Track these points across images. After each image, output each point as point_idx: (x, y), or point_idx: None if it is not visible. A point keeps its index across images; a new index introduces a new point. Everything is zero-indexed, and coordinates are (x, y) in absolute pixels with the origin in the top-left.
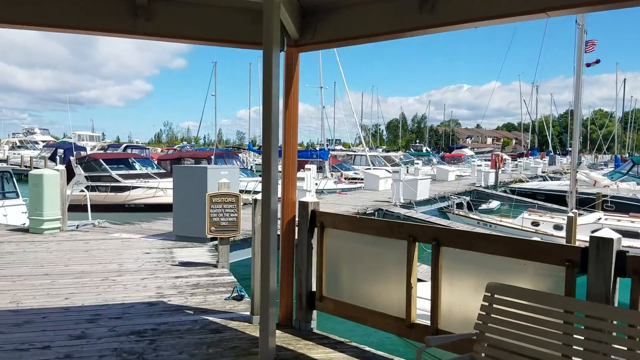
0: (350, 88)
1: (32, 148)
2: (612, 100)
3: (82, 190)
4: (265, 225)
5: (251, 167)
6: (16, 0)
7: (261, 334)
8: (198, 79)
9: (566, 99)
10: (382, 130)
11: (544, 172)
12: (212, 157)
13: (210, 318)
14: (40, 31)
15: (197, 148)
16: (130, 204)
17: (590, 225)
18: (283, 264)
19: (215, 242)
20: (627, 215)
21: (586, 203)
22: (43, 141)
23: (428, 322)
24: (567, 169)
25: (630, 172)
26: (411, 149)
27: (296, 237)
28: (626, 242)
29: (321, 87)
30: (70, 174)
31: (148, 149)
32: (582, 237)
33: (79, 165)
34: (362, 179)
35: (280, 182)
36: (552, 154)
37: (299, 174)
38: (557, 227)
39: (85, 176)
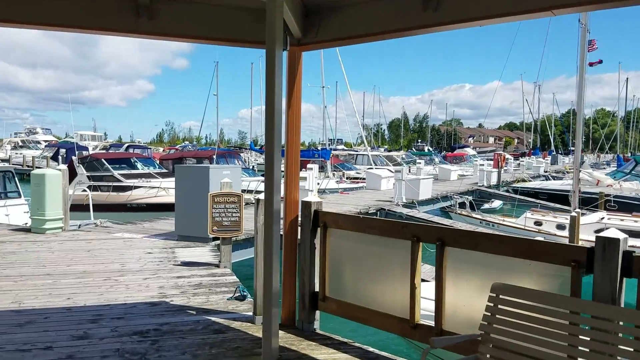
0: (352, 87)
1: (34, 148)
2: (614, 100)
3: (84, 190)
4: (268, 225)
5: (253, 166)
6: None
7: (264, 335)
8: (200, 78)
9: (568, 98)
10: (384, 130)
11: (546, 172)
12: (214, 156)
13: (213, 318)
14: (41, 30)
15: (198, 148)
16: (132, 204)
17: (593, 225)
18: (286, 264)
19: (218, 242)
20: (630, 215)
21: (589, 202)
22: (45, 141)
23: (432, 323)
24: (570, 169)
25: (633, 172)
26: (413, 149)
27: (299, 237)
28: (629, 241)
29: (323, 87)
30: (72, 174)
31: (150, 148)
32: (585, 237)
33: (81, 165)
34: (364, 179)
35: (282, 181)
36: (554, 153)
37: (301, 174)
38: (560, 226)
39: (88, 176)
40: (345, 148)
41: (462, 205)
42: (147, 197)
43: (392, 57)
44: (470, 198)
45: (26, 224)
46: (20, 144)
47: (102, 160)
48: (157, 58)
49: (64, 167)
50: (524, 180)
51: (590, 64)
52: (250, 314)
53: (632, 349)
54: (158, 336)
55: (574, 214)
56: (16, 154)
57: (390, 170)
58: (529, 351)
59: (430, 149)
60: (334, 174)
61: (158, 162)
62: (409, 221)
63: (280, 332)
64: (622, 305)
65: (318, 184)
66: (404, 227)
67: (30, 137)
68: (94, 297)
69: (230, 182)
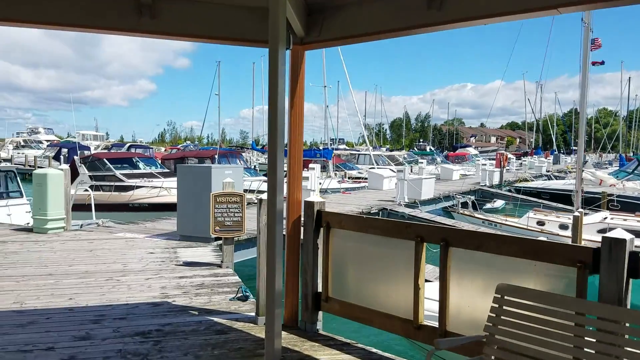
0: (353, 87)
1: (36, 147)
2: (616, 99)
3: (86, 190)
4: (271, 225)
5: (254, 166)
6: None
7: (267, 335)
8: (201, 78)
9: (570, 97)
10: (386, 130)
11: (548, 171)
12: (216, 156)
13: (215, 319)
14: (43, 29)
15: (200, 147)
16: (134, 204)
17: (596, 225)
18: (288, 264)
19: (220, 242)
20: (633, 215)
21: (591, 202)
22: (47, 141)
23: (436, 324)
24: (572, 168)
25: (635, 171)
26: (415, 148)
27: (301, 237)
28: (635, 242)
29: (325, 86)
30: (74, 174)
31: (152, 148)
32: (588, 237)
33: (83, 165)
34: (366, 179)
35: (285, 181)
36: (556, 152)
37: (303, 174)
38: (563, 226)
39: (89, 175)
40: (347, 148)
41: (464, 205)
42: (149, 197)
43: (394, 57)
44: (473, 198)
45: (28, 223)
46: (23, 143)
47: (104, 160)
48: (159, 58)
49: (66, 166)
50: (526, 180)
51: (593, 63)
52: (253, 314)
53: (638, 351)
54: (160, 337)
55: (576, 213)
56: (18, 153)
57: (393, 170)
58: (534, 353)
59: (432, 148)
60: (335, 174)
61: (160, 162)
62: (413, 221)
63: (282, 332)
64: (629, 306)
65: (320, 183)
66: (407, 227)
67: (32, 136)
68: (96, 298)
69: (233, 182)
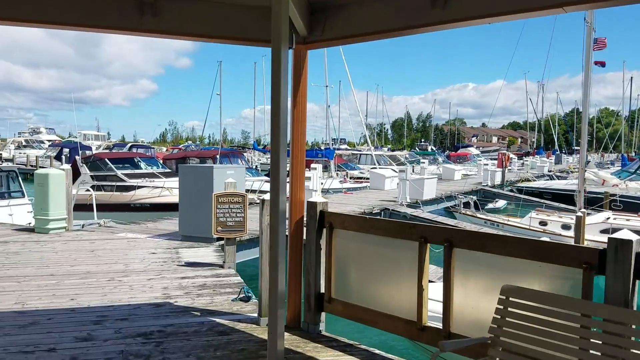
0: (355, 87)
1: (37, 147)
2: (618, 99)
3: (88, 190)
4: (274, 226)
5: (256, 166)
6: None
7: (269, 337)
8: (203, 78)
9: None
10: (387, 130)
11: (550, 171)
12: (218, 156)
13: (217, 320)
14: (44, 30)
15: (202, 147)
16: (135, 204)
17: (599, 225)
18: (291, 265)
19: (221, 242)
20: (636, 215)
21: (594, 202)
22: (49, 140)
23: (439, 325)
24: (574, 168)
25: (638, 171)
26: (416, 148)
27: (304, 237)
28: None
29: (327, 86)
30: (75, 174)
31: (153, 148)
32: (590, 237)
33: (84, 165)
34: (367, 179)
35: (288, 181)
36: (558, 152)
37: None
38: (565, 226)
39: (91, 175)
40: (349, 148)
41: (466, 205)
42: (151, 196)
43: (395, 57)
44: (475, 198)
45: (30, 223)
46: (24, 143)
47: (106, 159)
48: (161, 57)
49: (67, 166)
50: (528, 180)
51: (596, 63)
52: (255, 315)
53: None
54: (162, 338)
55: (579, 214)
56: (20, 153)
57: (394, 170)
58: (540, 355)
59: (434, 148)
60: (337, 174)
61: (161, 161)
62: (416, 222)
63: (285, 333)
64: (635, 308)
65: (322, 183)
66: (411, 227)
67: (33, 136)
68: (98, 298)
69: (235, 182)
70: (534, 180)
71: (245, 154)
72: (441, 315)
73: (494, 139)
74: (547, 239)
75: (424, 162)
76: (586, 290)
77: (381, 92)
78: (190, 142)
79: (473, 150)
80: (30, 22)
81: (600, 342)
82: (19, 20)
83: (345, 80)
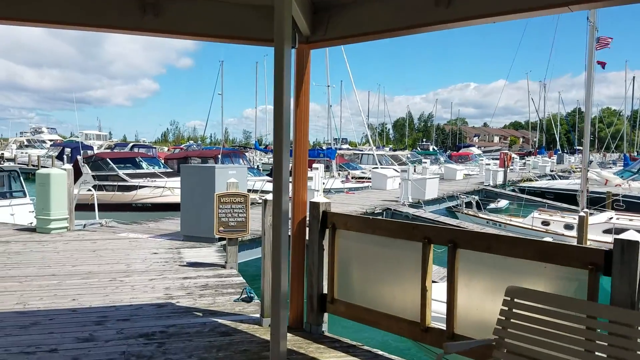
0: (356, 87)
1: (39, 147)
2: (620, 99)
3: (89, 190)
4: (277, 226)
5: (257, 166)
6: None
7: (272, 337)
8: (205, 78)
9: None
10: (389, 129)
11: (552, 171)
12: (219, 156)
13: (220, 320)
14: (46, 30)
15: (203, 147)
16: (137, 204)
17: (602, 225)
18: (294, 265)
19: (223, 242)
20: (639, 215)
21: (596, 202)
22: (50, 140)
23: (443, 326)
24: (576, 168)
25: None
26: (418, 148)
27: (307, 238)
28: None
29: (328, 86)
30: (77, 173)
31: (155, 148)
32: (593, 237)
33: (86, 165)
34: (369, 178)
35: (290, 181)
36: (560, 152)
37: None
38: (568, 226)
39: (93, 175)
40: (350, 147)
41: (468, 204)
42: (152, 196)
43: (397, 56)
44: (477, 197)
45: (31, 223)
46: (26, 143)
47: (107, 159)
48: (162, 57)
49: (69, 166)
50: (530, 180)
51: (598, 62)
52: (258, 315)
53: None
54: (164, 338)
55: (582, 213)
56: (21, 153)
57: (396, 170)
58: (545, 357)
59: (435, 148)
60: (339, 174)
61: (163, 161)
62: (419, 222)
63: (288, 334)
64: None
65: (324, 183)
66: (414, 228)
67: (35, 136)
68: (100, 298)
69: (237, 182)
70: (536, 180)
71: (247, 153)
72: (445, 316)
73: (496, 139)
74: (550, 239)
75: (425, 162)
76: (592, 292)
77: (383, 92)
78: (191, 141)
79: (475, 150)
80: (32, 21)
81: (606, 344)
82: (20, 20)
83: (347, 80)
